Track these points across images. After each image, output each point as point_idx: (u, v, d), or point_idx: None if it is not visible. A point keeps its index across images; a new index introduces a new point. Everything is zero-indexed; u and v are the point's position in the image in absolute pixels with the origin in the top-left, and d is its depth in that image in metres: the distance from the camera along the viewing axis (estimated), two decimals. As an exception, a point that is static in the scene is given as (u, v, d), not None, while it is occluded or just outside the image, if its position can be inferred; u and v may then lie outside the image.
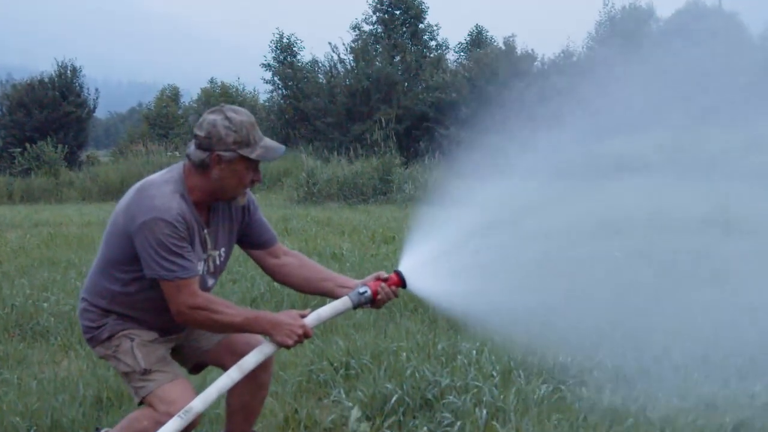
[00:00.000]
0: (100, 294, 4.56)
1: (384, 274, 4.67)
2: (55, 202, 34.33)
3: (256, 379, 4.78)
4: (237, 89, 59.81)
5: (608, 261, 6.12)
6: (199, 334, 4.88)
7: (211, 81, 63.33)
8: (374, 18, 53.18)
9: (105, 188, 34.95)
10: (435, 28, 54.53)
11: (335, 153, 33.14)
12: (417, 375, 6.29)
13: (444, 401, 5.91)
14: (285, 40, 54.56)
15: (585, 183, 6.45)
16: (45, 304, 9.53)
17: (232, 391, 4.85)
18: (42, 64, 65.38)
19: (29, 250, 15.44)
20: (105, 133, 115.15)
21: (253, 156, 4.31)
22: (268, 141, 4.43)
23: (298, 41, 55.19)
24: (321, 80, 51.55)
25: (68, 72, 54.21)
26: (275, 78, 53.70)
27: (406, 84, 48.85)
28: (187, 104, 62.88)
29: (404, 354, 6.89)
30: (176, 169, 4.48)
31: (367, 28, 53.30)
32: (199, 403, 4.21)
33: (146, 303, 4.48)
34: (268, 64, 54.28)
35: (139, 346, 4.52)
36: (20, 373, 7.17)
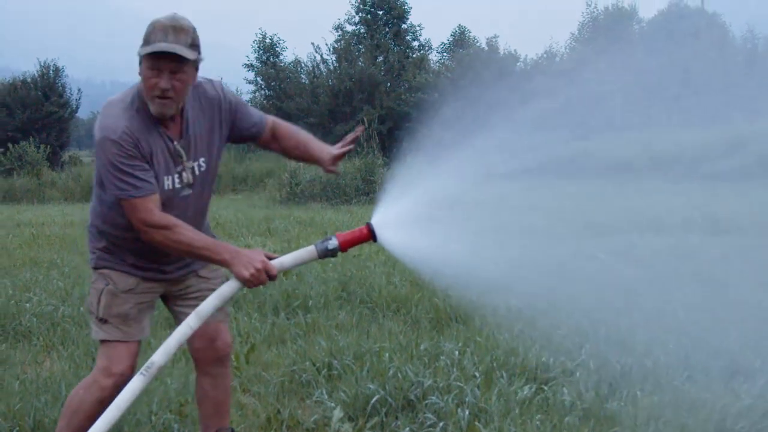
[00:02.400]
0: (97, 214, 4.61)
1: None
2: (38, 203, 34.33)
3: (209, 373, 4.89)
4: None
5: (591, 261, 6.10)
6: (182, 307, 4.83)
7: (194, 81, 63.29)
8: (357, 18, 53.35)
9: (87, 188, 34.79)
10: (418, 28, 54.77)
11: (318, 153, 33.15)
12: (399, 375, 6.28)
13: (426, 402, 5.90)
14: (268, 40, 54.68)
15: (567, 183, 6.45)
16: (27, 305, 9.49)
17: (197, 391, 5.03)
18: (25, 65, 65.17)
19: (11, 251, 15.41)
20: (87, 133, 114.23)
21: (139, 51, 4.14)
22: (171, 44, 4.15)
23: (281, 41, 55.35)
24: (304, 80, 51.65)
25: (51, 72, 54.24)
26: (258, 78, 53.83)
27: (388, 84, 48.97)
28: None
29: (387, 354, 6.87)
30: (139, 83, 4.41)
31: (349, 28, 53.52)
32: (160, 357, 4.16)
33: (130, 226, 4.39)
34: (251, 65, 54.37)
35: (107, 294, 4.56)
36: (2, 373, 7.12)
